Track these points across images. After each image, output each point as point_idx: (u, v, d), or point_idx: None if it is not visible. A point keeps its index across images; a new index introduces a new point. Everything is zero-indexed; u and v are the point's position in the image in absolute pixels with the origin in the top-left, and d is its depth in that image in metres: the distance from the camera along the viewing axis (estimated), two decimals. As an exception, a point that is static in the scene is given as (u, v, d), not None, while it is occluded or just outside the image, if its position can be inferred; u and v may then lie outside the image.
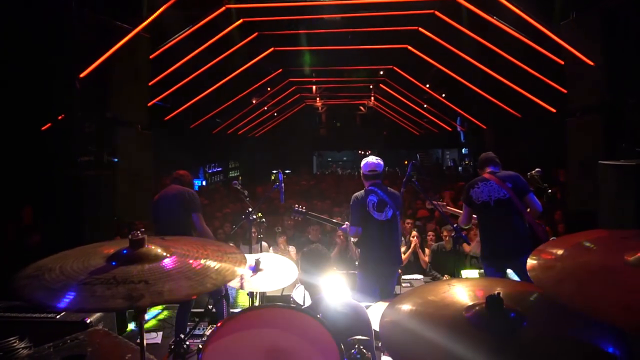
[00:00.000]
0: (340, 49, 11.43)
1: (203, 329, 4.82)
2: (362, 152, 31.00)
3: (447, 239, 6.32)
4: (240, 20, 8.54)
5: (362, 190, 4.53)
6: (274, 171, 4.83)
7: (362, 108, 23.41)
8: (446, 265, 6.16)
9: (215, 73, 10.39)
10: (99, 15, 5.46)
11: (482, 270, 5.47)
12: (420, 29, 9.30)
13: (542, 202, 4.50)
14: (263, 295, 4.41)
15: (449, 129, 18.33)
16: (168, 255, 1.64)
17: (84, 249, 1.74)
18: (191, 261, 1.64)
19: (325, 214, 6.85)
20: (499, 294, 1.43)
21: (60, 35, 5.10)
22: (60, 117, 5.25)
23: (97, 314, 3.37)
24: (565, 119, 6.05)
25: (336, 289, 2.77)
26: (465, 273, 5.76)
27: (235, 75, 11.07)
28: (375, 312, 3.13)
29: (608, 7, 5.12)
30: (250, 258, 3.31)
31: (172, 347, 2.47)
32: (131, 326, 5.08)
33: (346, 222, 4.67)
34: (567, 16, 5.85)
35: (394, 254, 4.49)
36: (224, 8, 7.70)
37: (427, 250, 6.72)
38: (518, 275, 4.26)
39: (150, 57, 6.79)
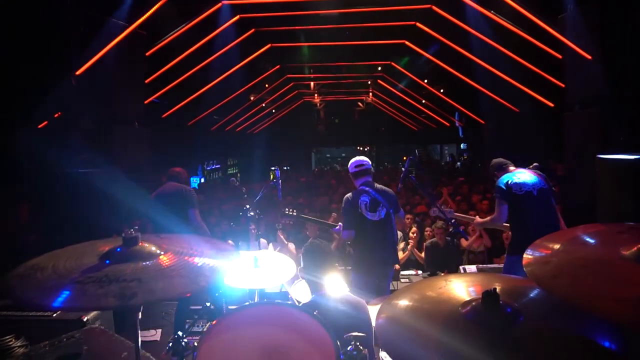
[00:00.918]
0: (337, 45, 11.40)
1: (202, 326, 4.82)
2: (361, 149, 31.01)
3: (438, 236, 6.22)
4: (237, 17, 8.51)
5: (353, 191, 4.32)
6: (272, 168, 4.80)
7: (360, 104, 23.38)
8: (441, 262, 6.14)
9: (213, 70, 10.35)
10: (94, 12, 5.43)
11: (480, 265, 5.47)
12: (417, 24, 9.28)
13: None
14: (261, 292, 4.41)
15: (447, 124, 18.32)
16: (162, 252, 1.63)
17: (78, 248, 1.73)
18: (186, 258, 1.63)
19: (324, 211, 6.84)
20: (495, 289, 1.43)
21: (56, 33, 5.08)
22: (56, 115, 5.24)
23: (94, 312, 3.37)
24: (563, 113, 6.05)
25: (336, 285, 2.76)
26: (464, 268, 5.75)
27: (233, 72, 11.04)
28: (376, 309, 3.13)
29: (605, 1, 5.11)
30: (248, 255, 3.30)
31: (171, 344, 2.46)
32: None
33: (339, 223, 4.48)
34: (564, 10, 5.84)
35: (389, 254, 4.30)
36: (220, 4, 7.66)
37: (425, 246, 6.71)
38: None
39: (147, 54, 6.77)
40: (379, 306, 1.68)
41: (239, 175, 20.33)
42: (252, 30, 9.63)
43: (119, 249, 1.61)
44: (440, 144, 29.06)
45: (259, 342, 1.81)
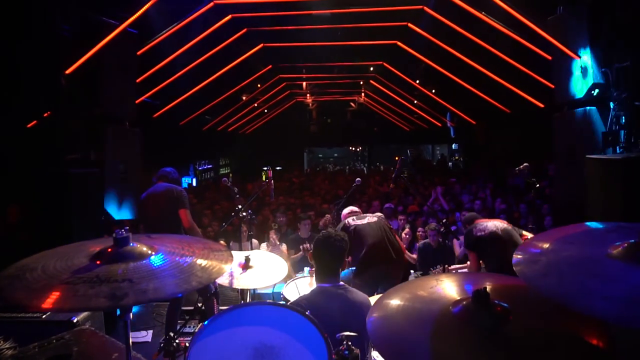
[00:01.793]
0: (329, 45, 11.40)
1: (193, 327, 4.80)
2: (353, 149, 31.03)
3: (430, 238, 6.24)
4: (229, 16, 8.48)
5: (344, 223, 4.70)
6: (265, 168, 4.79)
7: (352, 104, 23.38)
8: (433, 263, 6.17)
9: (205, 69, 10.31)
10: (85, 10, 5.39)
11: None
12: (409, 24, 9.31)
13: (531, 196, 4.54)
14: (254, 293, 4.41)
15: (439, 124, 18.40)
16: (153, 253, 1.62)
17: (68, 248, 1.72)
18: (177, 259, 1.63)
19: (315, 210, 6.83)
20: (485, 288, 1.44)
21: (46, 31, 5.03)
22: (46, 114, 5.18)
23: (84, 313, 3.34)
24: (552, 114, 6.11)
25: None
26: (454, 267, 5.78)
27: (225, 71, 11.00)
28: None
29: (594, 2, 5.17)
30: (240, 255, 3.30)
31: (162, 345, 2.45)
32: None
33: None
34: (554, 12, 5.90)
35: (393, 254, 4.54)
36: (212, 4, 7.63)
37: (417, 245, 6.74)
38: None
39: (138, 53, 6.72)
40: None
41: (231, 175, 20.26)
42: (244, 30, 9.60)
43: (109, 250, 1.60)
44: (432, 144, 29.19)
45: (250, 343, 1.80)
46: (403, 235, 6.74)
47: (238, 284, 3.17)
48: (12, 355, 2.21)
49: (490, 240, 4.26)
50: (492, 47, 8.32)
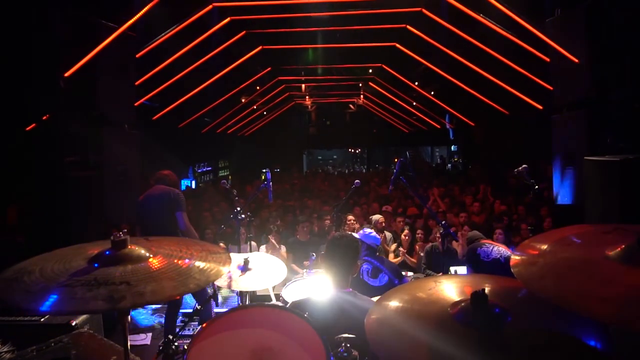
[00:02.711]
0: (328, 47, 11.42)
1: (192, 329, 4.79)
2: (352, 151, 31.02)
3: (439, 240, 6.26)
4: (228, 19, 8.49)
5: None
6: (264, 170, 4.79)
7: (351, 106, 23.40)
8: (441, 266, 6.16)
9: (204, 72, 10.32)
10: (83, 13, 5.39)
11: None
12: (408, 26, 9.33)
13: (529, 198, 4.54)
14: (253, 295, 4.40)
15: (438, 126, 18.42)
16: (151, 255, 1.62)
17: (66, 251, 1.71)
18: (175, 261, 1.63)
19: (314, 213, 6.80)
20: (483, 290, 1.44)
21: (44, 34, 5.03)
22: (45, 117, 5.18)
23: (83, 316, 3.33)
24: (551, 116, 6.12)
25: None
26: (454, 270, 5.78)
27: (224, 73, 11.01)
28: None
29: (592, 4, 5.18)
30: (239, 257, 3.29)
31: (161, 347, 2.45)
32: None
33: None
34: (552, 14, 5.91)
35: None
36: (211, 6, 7.64)
37: (416, 247, 6.74)
38: None
39: (137, 55, 6.72)
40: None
41: (230, 177, 20.25)
42: (243, 32, 9.61)
43: (107, 252, 1.60)
44: (431, 146, 29.21)
45: (248, 345, 1.80)
46: (402, 237, 6.74)
47: (237, 286, 3.17)
48: (10, 358, 2.21)
49: (490, 266, 4.27)
50: (491, 49, 8.34)
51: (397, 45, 10.80)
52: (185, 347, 1.88)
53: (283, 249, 6.58)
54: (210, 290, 3.90)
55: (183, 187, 14.45)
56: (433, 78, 12.67)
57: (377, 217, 6.62)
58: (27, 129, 5.17)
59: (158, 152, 9.16)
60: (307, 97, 20.00)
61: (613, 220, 3.93)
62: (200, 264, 1.64)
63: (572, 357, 1.31)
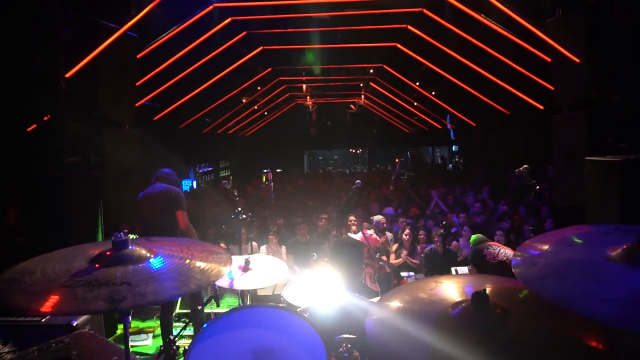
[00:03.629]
0: (329, 48, 11.42)
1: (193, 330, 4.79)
2: (353, 151, 31.01)
3: (438, 243, 6.22)
4: (229, 19, 8.49)
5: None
6: (265, 170, 4.79)
7: (352, 106, 23.40)
8: (442, 268, 6.13)
9: (204, 72, 10.32)
10: (84, 14, 5.40)
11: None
12: (408, 26, 9.33)
13: (530, 198, 4.53)
14: (254, 295, 4.41)
15: (439, 126, 18.40)
16: (152, 256, 1.62)
17: (67, 251, 1.72)
18: (176, 262, 1.63)
19: (316, 213, 6.81)
20: (484, 290, 1.44)
21: (46, 35, 5.03)
22: (46, 118, 5.18)
23: (84, 317, 3.33)
24: (552, 116, 6.11)
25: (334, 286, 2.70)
26: (455, 270, 5.77)
27: (225, 74, 11.01)
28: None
29: (593, 5, 5.17)
30: (240, 258, 3.30)
31: (162, 348, 2.45)
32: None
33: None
34: (553, 14, 5.90)
35: None
36: (211, 7, 7.64)
37: (418, 248, 6.73)
38: None
39: (138, 56, 6.73)
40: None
41: (231, 178, 20.26)
42: (244, 33, 9.61)
43: (108, 253, 1.60)
44: (432, 146, 29.17)
45: (249, 345, 1.80)
46: (403, 237, 6.74)
47: (238, 286, 3.18)
48: (11, 359, 2.21)
49: (496, 268, 4.26)
50: (492, 49, 8.33)
51: (398, 46, 10.80)
52: (186, 347, 1.88)
53: (283, 249, 6.58)
54: (210, 291, 3.90)
55: (186, 188, 14.48)
56: (434, 78, 12.66)
57: (378, 217, 6.62)
58: (28, 129, 5.17)
59: (159, 152, 9.17)
60: (308, 97, 20.01)
61: (614, 221, 3.92)
62: (201, 264, 1.64)
63: (572, 358, 1.30)
